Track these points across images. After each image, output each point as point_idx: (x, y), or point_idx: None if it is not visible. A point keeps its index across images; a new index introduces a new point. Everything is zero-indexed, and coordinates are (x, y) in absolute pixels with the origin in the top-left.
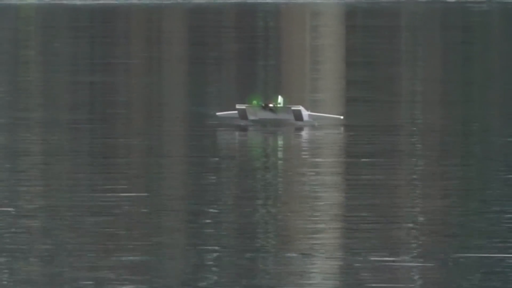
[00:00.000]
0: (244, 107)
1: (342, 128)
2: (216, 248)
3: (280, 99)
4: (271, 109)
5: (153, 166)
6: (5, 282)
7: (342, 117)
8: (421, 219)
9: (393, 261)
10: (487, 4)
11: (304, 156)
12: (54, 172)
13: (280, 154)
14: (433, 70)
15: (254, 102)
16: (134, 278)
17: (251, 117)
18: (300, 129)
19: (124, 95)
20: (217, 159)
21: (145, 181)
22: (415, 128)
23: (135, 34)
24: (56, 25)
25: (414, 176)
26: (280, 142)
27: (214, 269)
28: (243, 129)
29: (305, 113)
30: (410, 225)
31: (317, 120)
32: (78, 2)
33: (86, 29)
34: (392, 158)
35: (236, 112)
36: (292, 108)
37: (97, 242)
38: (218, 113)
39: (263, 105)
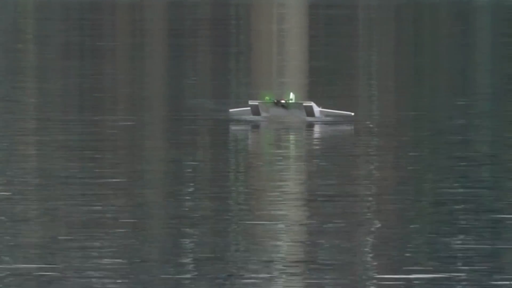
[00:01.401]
0: (256, 103)
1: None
2: (195, 232)
3: (291, 95)
4: (283, 105)
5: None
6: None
7: (353, 113)
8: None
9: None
10: None
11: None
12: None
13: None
14: (386, 56)
15: (267, 98)
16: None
17: (263, 113)
18: (311, 125)
19: (109, 81)
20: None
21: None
22: (370, 122)
23: (120, 25)
24: (51, 18)
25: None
26: (288, 137)
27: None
28: (256, 125)
29: (317, 109)
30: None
31: (328, 116)
32: None
33: (76, 21)
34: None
35: (248, 108)
36: (304, 104)
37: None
38: (231, 110)
39: (275, 101)
